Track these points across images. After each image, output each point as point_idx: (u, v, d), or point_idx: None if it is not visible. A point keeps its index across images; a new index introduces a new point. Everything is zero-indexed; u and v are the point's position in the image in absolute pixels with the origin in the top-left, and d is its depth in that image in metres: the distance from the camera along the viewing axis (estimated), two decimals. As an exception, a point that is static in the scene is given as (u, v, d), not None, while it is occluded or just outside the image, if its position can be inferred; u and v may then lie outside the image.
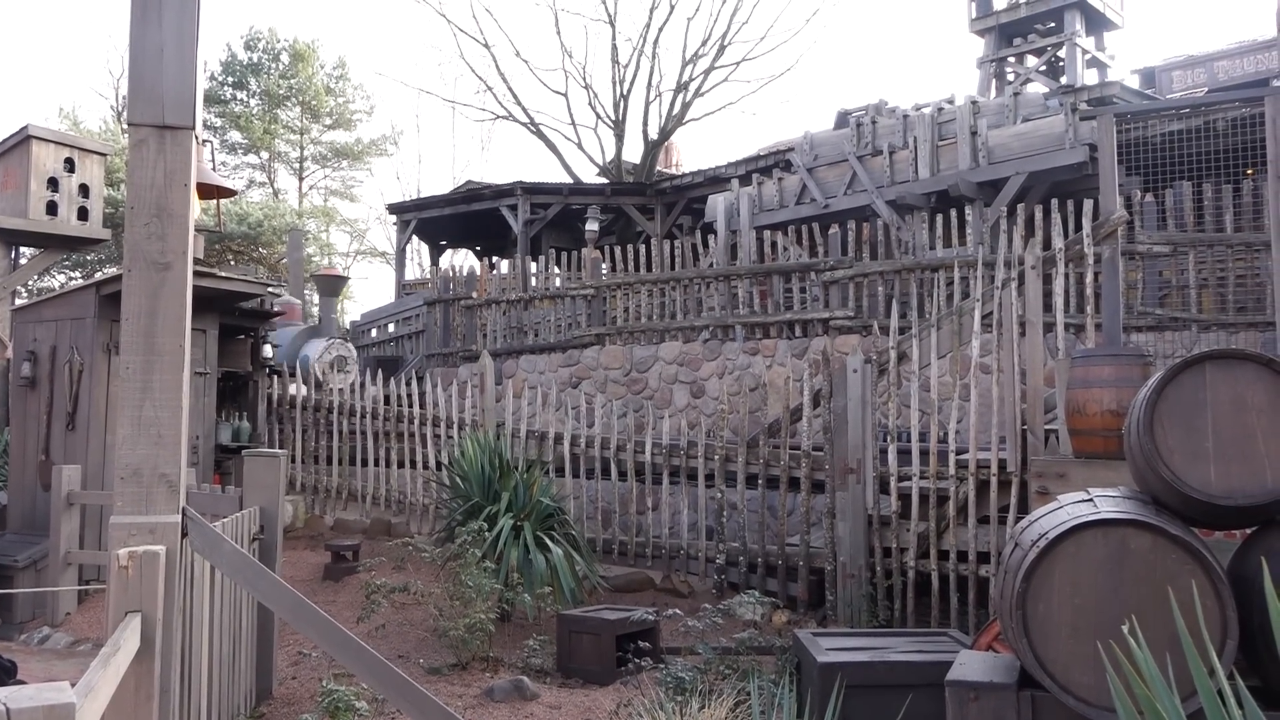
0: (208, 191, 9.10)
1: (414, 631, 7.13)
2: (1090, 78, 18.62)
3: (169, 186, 3.25)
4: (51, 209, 9.48)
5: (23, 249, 10.72)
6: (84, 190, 9.76)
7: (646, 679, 5.79)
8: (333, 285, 14.59)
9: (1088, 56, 19.11)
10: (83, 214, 9.74)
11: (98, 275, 18.59)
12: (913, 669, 4.69)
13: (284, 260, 24.34)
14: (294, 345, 12.62)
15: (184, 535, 3.29)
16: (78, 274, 25.99)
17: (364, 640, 3.90)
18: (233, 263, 25.39)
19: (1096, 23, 19.38)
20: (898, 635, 5.79)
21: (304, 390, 11.21)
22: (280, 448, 10.75)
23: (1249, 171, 10.33)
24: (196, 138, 3.37)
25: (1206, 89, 14.88)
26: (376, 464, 10.47)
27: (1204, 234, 10.44)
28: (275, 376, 11.38)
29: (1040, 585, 3.18)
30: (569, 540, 7.74)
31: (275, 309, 11.46)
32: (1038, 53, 19.55)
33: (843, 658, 4.82)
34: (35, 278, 14.94)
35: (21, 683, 5.25)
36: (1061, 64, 18.98)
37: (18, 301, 12.82)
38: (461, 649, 6.31)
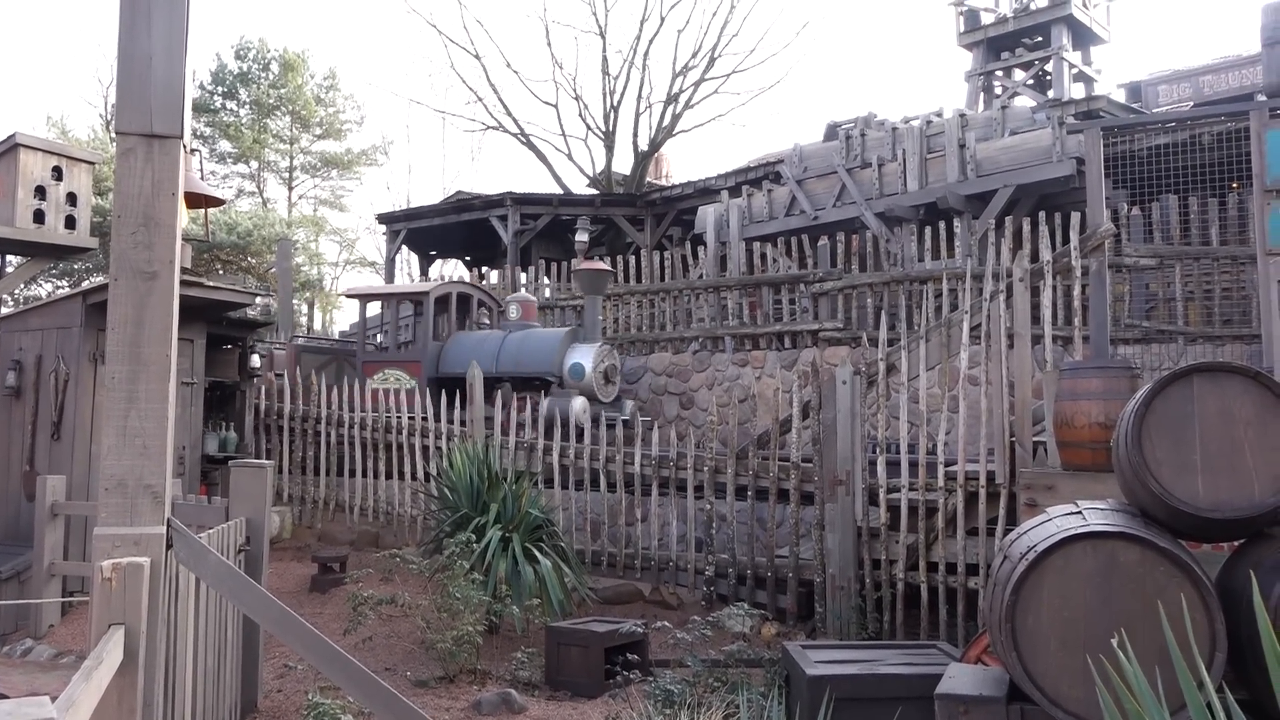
0: (196, 200, 9.06)
1: (401, 644, 7.08)
2: (1077, 91, 18.76)
3: (156, 195, 3.23)
4: (39, 217, 9.42)
5: (9, 257, 10.65)
6: (71, 199, 9.70)
7: (635, 692, 5.76)
8: (597, 280, 11.80)
9: (1075, 70, 19.26)
10: (70, 222, 9.68)
11: (84, 284, 18.51)
12: (902, 682, 4.68)
13: (272, 270, 24.27)
14: (553, 350, 11.16)
15: (169, 547, 3.26)
16: (64, 283, 25.86)
17: (350, 653, 3.87)
18: (221, 272, 25.31)
19: (1083, 37, 19.54)
20: (887, 648, 5.79)
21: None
22: (267, 458, 10.70)
23: (1234, 185, 10.41)
24: (185, 147, 3.35)
25: (1192, 103, 15.01)
26: (365, 475, 10.43)
27: (1190, 247, 10.51)
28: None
29: (1029, 598, 3.18)
30: (558, 552, 7.71)
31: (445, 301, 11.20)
32: (1025, 66, 19.70)
33: (832, 670, 4.81)
34: (22, 286, 14.87)
35: (3, 696, 5.19)
36: (1049, 78, 19.12)
37: (3, 310, 12.76)
38: (449, 661, 6.27)
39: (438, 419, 10.03)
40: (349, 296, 14.03)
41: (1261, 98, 12.10)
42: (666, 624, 6.72)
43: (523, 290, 15.24)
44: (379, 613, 6.71)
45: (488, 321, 13.25)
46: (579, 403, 10.40)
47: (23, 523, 8.61)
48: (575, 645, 6.32)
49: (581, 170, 22.49)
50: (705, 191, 16.90)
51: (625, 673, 5.93)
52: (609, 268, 12.50)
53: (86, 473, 8.50)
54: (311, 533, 10.36)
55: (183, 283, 3.55)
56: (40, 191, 9.45)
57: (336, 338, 16.72)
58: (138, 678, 2.94)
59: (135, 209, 3.21)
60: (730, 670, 5.83)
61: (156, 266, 3.21)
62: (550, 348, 11.10)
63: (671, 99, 21.76)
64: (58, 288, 25.54)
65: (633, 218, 18.17)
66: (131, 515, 3.14)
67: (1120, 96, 16.24)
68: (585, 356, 10.93)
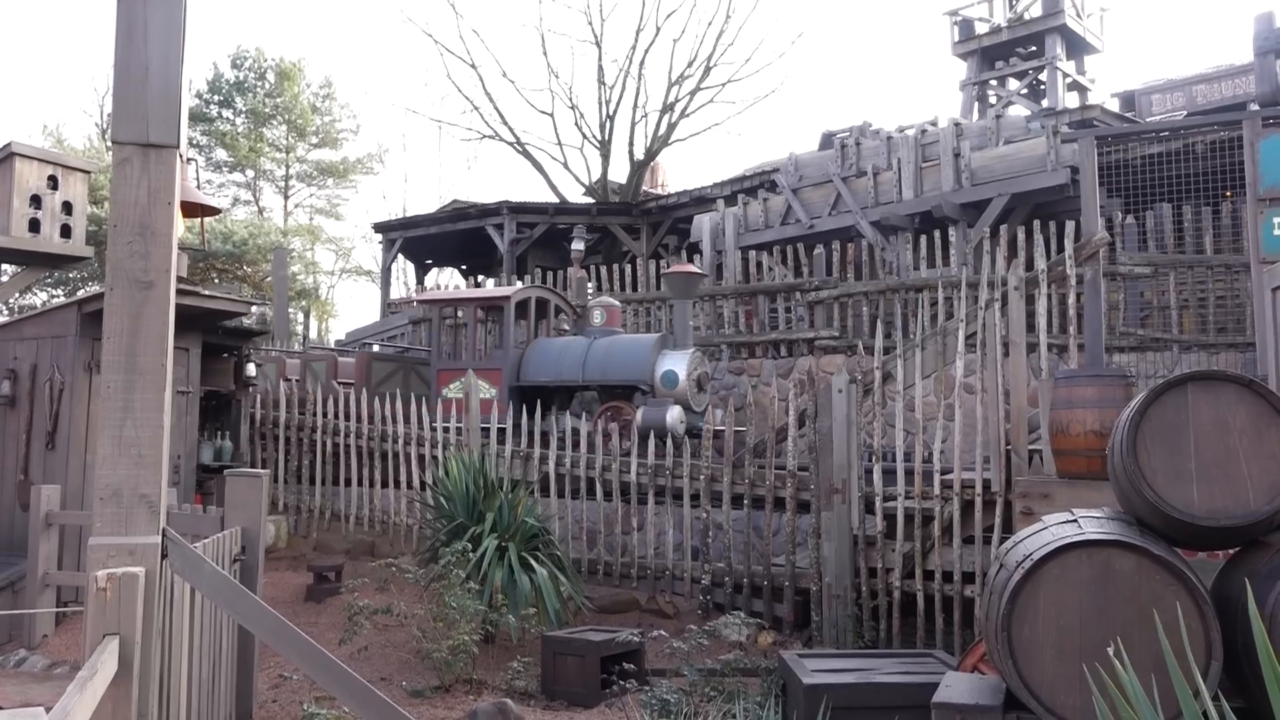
0: (192, 209, 9.06)
1: (397, 653, 7.06)
2: (1071, 101, 18.85)
3: (152, 205, 3.23)
4: (34, 226, 9.41)
5: (4, 266, 10.64)
6: (67, 208, 9.70)
7: (631, 701, 5.75)
8: (689, 283, 11.12)
9: (1068, 80, 19.35)
10: (65, 231, 9.67)
11: (80, 293, 18.48)
12: (898, 690, 4.68)
13: (268, 278, 24.26)
14: (644, 357, 10.55)
15: (164, 556, 3.25)
16: (60, 292, 25.83)
17: (346, 662, 3.86)
18: (217, 281, 25.30)
19: (1077, 47, 19.64)
20: (883, 656, 5.78)
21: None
22: (263, 467, 10.67)
23: (1228, 194, 10.46)
24: (181, 156, 3.35)
25: (1185, 112, 15.07)
26: (360, 484, 10.40)
27: (1184, 255, 10.55)
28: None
29: (1025, 606, 3.18)
30: (554, 561, 7.70)
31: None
32: (1019, 76, 19.78)
33: (828, 679, 4.80)
34: (17, 295, 14.84)
35: (-4, 707, 5.17)
36: (1043, 87, 19.21)
37: (-2, 319, 12.73)
38: (445, 671, 6.25)
39: (517, 430, 9.64)
40: (421, 302, 13.33)
41: (1254, 107, 12.16)
42: (663, 633, 6.71)
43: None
44: (375, 622, 6.70)
45: (567, 328, 12.84)
46: (675, 412, 9.80)
47: (17, 532, 8.58)
48: (571, 654, 6.31)
49: (577, 179, 22.54)
50: (701, 200, 16.94)
51: (621, 682, 5.92)
52: (701, 270, 11.80)
53: (81, 482, 8.47)
54: (307, 542, 10.33)
55: (178, 292, 3.55)
56: (36, 200, 9.44)
57: (402, 345, 16.01)
58: (132, 688, 2.93)
59: (131, 218, 3.21)
60: (727, 679, 5.82)
61: (152, 275, 3.21)
62: (641, 355, 10.51)
63: (667, 108, 21.82)
64: (53, 297, 25.51)
65: (629, 226, 18.21)
66: (126, 525, 3.13)
67: (1114, 106, 16.31)
68: (678, 364, 10.37)
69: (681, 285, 10.98)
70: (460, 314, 12.27)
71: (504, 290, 11.97)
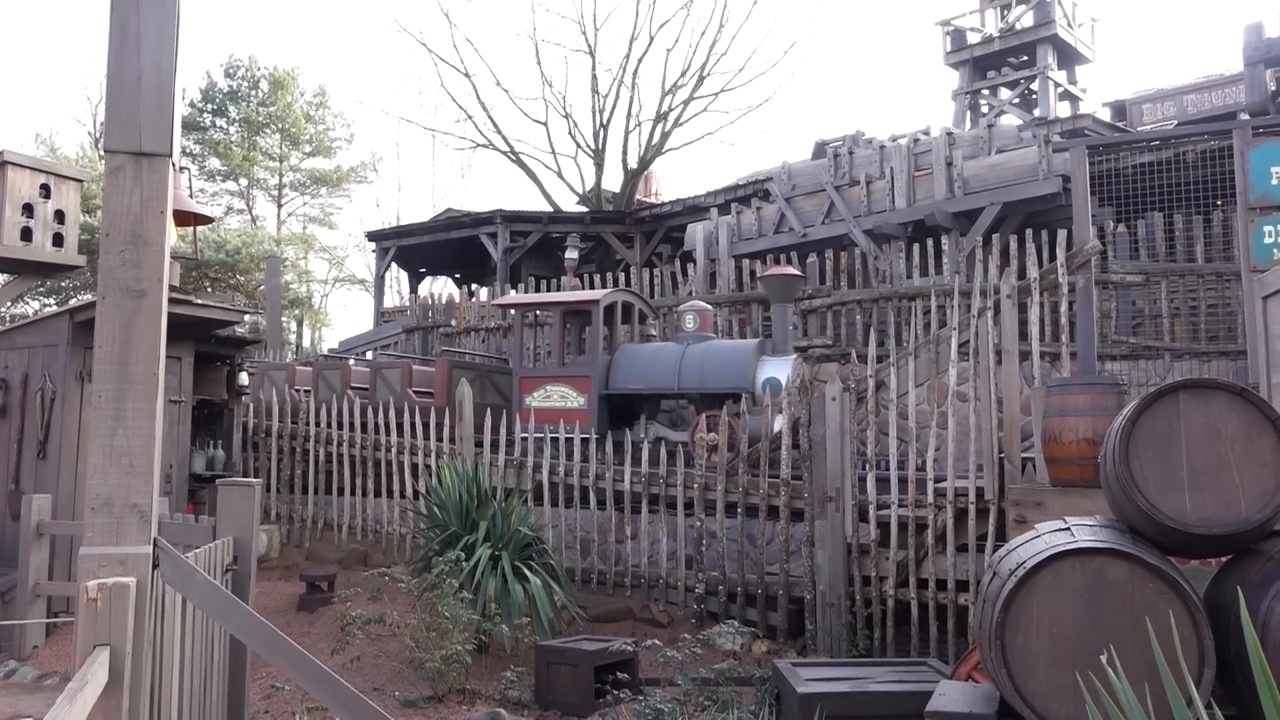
0: (184, 218, 9.04)
1: (389, 663, 7.03)
2: (1063, 110, 18.94)
3: (145, 213, 3.23)
4: (26, 235, 9.39)
5: (-4, 275, 10.61)
6: (59, 216, 9.68)
7: (625, 711, 5.73)
8: (788, 286, 10.49)
9: (1060, 89, 19.44)
10: (58, 240, 9.66)
11: (72, 302, 18.43)
12: (892, 699, 4.67)
13: (261, 287, 24.22)
14: (745, 364, 10.02)
15: (155, 566, 3.23)
16: (52, 301, 25.73)
17: (338, 673, 3.84)
18: (210, 290, 25.24)
19: (1068, 56, 19.74)
20: (878, 665, 5.77)
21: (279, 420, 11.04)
22: (255, 476, 10.63)
23: (1219, 203, 10.50)
24: (174, 164, 3.35)
25: (1176, 122, 15.15)
26: (353, 493, 10.38)
27: (1176, 264, 10.58)
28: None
29: (1018, 615, 3.18)
30: (547, 570, 7.68)
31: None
32: (1011, 85, 19.88)
33: (822, 688, 4.79)
34: (9, 304, 14.79)
35: (-14, 718, 5.14)
36: (1034, 96, 19.30)
37: (-11, 328, 12.67)
38: (438, 681, 6.23)
39: (600, 448, 9.49)
40: (501, 306, 12.52)
41: (1244, 116, 12.24)
42: (656, 642, 6.69)
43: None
44: (367, 632, 6.67)
45: (654, 333, 12.49)
46: (781, 419, 9.07)
47: (7, 542, 8.54)
48: (565, 664, 6.29)
49: (571, 188, 22.57)
50: (694, 209, 16.96)
51: (615, 691, 5.90)
52: (799, 272, 11.17)
53: (73, 492, 8.44)
54: (300, 551, 10.30)
55: (171, 300, 3.54)
56: (28, 209, 9.43)
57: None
58: (123, 699, 2.91)
59: (123, 227, 3.21)
60: (721, 688, 5.81)
61: (144, 284, 3.20)
62: (742, 361, 9.98)
63: (661, 117, 21.87)
64: (45, 305, 25.42)
65: (622, 235, 18.22)
66: (118, 535, 3.12)
67: (1105, 115, 16.40)
68: (780, 370, 9.82)
69: (780, 288, 10.46)
70: (544, 318, 11.60)
71: (593, 293, 11.41)
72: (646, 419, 10.58)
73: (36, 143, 31.78)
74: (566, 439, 9.57)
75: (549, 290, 15.45)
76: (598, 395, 10.42)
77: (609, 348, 10.93)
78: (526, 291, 15.88)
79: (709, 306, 11.29)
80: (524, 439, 9.61)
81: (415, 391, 11.16)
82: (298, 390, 11.61)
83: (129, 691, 2.95)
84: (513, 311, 12.27)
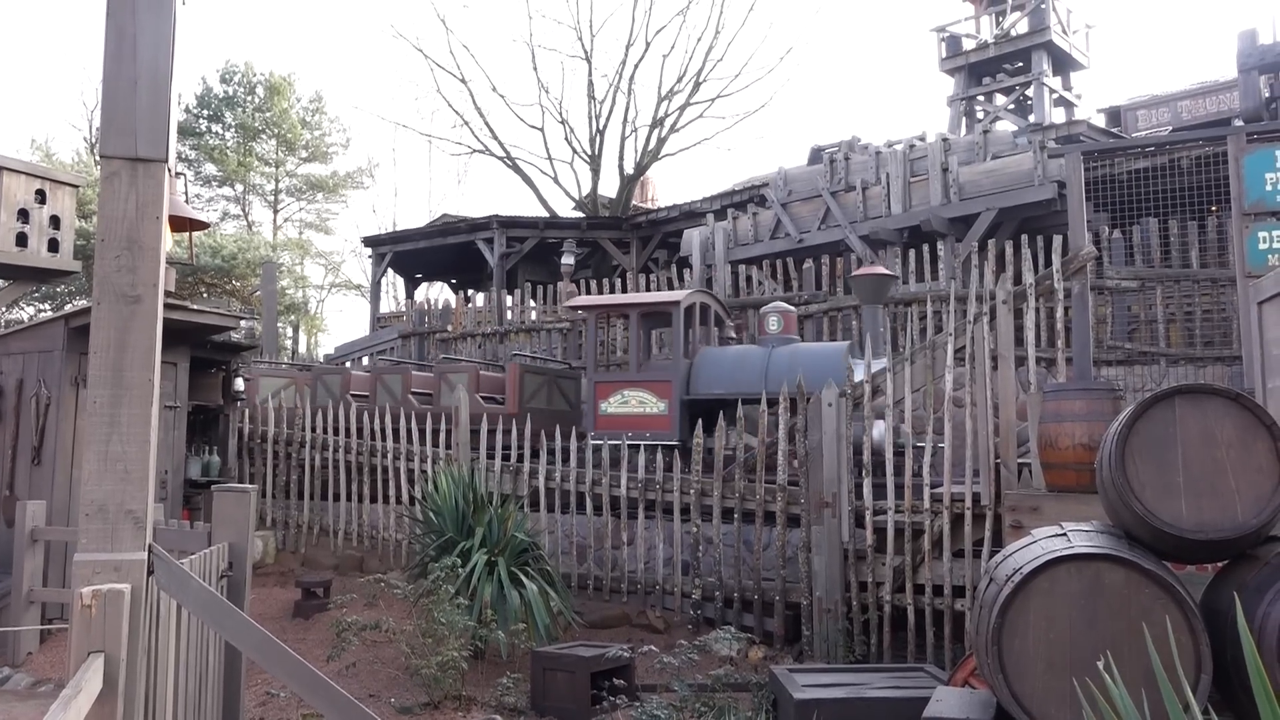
0: (180, 224, 9.02)
1: (385, 670, 7.01)
2: (1058, 116, 19.00)
3: (140, 219, 3.22)
4: (21, 240, 9.38)
5: (-9, 280, 10.59)
6: (55, 222, 9.67)
7: (621, 717, 5.72)
8: (879, 287, 10.03)
9: (1055, 96, 19.51)
10: (53, 246, 9.65)
11: (67, 308, 18.38)
12: (889, 706, 4.67)
13: (257, 293, 24.20)
14: (837, 367, 9.26)
15: (150, 573, 3.22)
16: (47, 306, 25.69)
17: (334, 679, 3.83)
18: (206, 295, 25.20)
19: (1063, 63, 19.81)
20: (874, 671, 5.76)
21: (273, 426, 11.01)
22: (251, 482, 10.61)
23: (1213, 209, 10.53)
24: (169, 170, 3.35)
25: (1170, 128, 15.21)
26: (349, 499, 10.35)
27: (1171, 269, 10.61)
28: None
29: (1015, 620, 3.18)
30: (544, 576, 7.67)
31: (674, 311, 9.46)
32: (1006, 91, 19.94)
33: (819, 694, 4.79)
34: (3, 310, 14.76)
35: (-21, 726, 5.11)
36: (1030, 103, 19.36)
37: (-16, 334, 12.64)
38: (434, 687, 6.21)
39: (686, 461, 8.88)
40: (574, 307, 12.17)
41: (1238, 122, 12.27)
42: (653, 648, 6.68)
43: (509, 312, 14.91)
44: (363, 638, 6.65)
45: (734, 335, 12.20)
46: (881, 426, 8.50)
47: (2, 549, 8.50)
48: (561, 670, 6.28)
49: (567, 193, 22.58)
50: (691, 214, 16.98)
51: (611, 698, 5.89)
52: (891, 272, 10.68)
53: (67, 498, 8.42)
54: (295, 558, 10.27)
55: (166, 306, 3.53)
56: (23, 214, 9.42)
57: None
58: (117, 706, 2.89)
59: (119, 232, 3.20)
60: (717, 694, 5.80)
61: (140, 290, 3.20)
62: (833, 364, 9.37)
63: (657, 123, 21.89)
64: (40, 311, 25.37)
65: (618, 240, 18.24)
66: (112, 541, 3.11)
67: (1100, 121, 16.44)
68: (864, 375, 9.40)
69: (871, 288, 9.99)
70: (621, 320, 11.18)
71: (672, 295, 11.02)
72: (726, 424, 10.08)
73: (32, 148, 31.74)
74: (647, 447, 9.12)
75: (545, 296, 15.44)
76: (679, 400, 10.14)
77: (688, 350, 10.60)
78: (523, 298, 15.87)
79: (792, 309, 10.89)
80: (596, 446, 9.27)
81: (483, 397, 10.87)
82: (352, 395, 11.29)
83: (123, 699, 2.94)
84: (581, 313, 11.85)
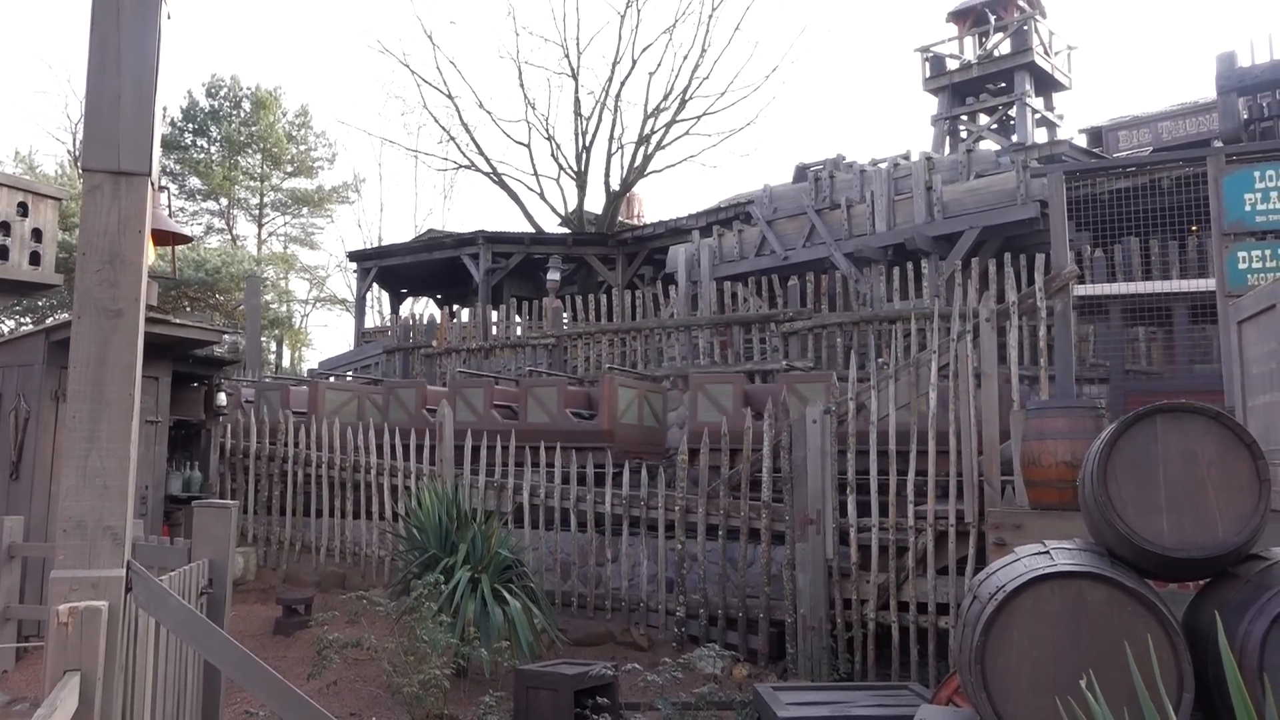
0: (163, 238, 8.98)
1: (367, 688, 6.95)
2: (1040, 136, 19.19)
3: (123, 233, 3.20)
4: (2, 253, 9.31)
5: (-29, 294, 10.49)
6: (37, 235, 9.60)
7: (605, 735, 5.68)
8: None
9: (1037, 116, 19.70)
10: (35, 259, 9.57)
11: (48, 321, 18.25)
12: (873, 723, 4.66)
13: (241, 307, 24.08)
14: None
15: (128, 590, 3.18)
16: (27, 320, 25.48)
17: (314, 698, 3.79)
18: (189, 309, 25.08)
19: (1046, 84, 20.02)
20: (859, 689, 5.75)
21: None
22: (232, 498, 10.52)
23: (1193, 228, 10.63)
24: (153, 184, 3.33)
25: (1151, 148, 15.38)
26: (331, 515, 10.28)
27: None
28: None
29: (998, 639, 3.18)
30: (527, 593, 7.62)
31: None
32: (989, 111, 20.14)
33: (803, 713, 4.77)
34: (-17, 323, 14.62)
35: (-48, 745, 5.03)
36: (1012, 122, 19.55)
37: (-37, 347, 12.50)
38: (415, 706, 6.15)
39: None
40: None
41: (1218, 144, 12.41)
42: (637, 666, 6.65)
43: (494, 328, 14.80)
44: (344, 656, 6.59)
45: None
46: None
47: (-22, 565, 8.38)
48: (544, 688, 6.23)
49: (554, 209, 22.61)
50: (676, 231, 17.03)
51: (595, 716, 5.85)
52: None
53: (46, 513, 8.32)
54: (276, 574, 10.18)
55: (148, 320, 3.51)
56: (5, 227, 9.35)
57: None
58: (93, 726, 2.85)
59: (101, 246, 3.18)
60: (701, 713, 5.77)
61: (121, 304, 3.17)
62: None
63: (643, 140, 21.98)
64: (20, 324, 25.16)
65: (604, 257, 18.26)
66: (90, 557, 3.07)
67: (1082, 141, 16.62)
68: None
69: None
70: None
71: None
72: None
73: (15, 160, 31.56)
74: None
75: (530, 312, 15.42)
76: None
77: None
78: (509, 314, 15.84)
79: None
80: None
81: (572, 413, 10.73)
82: (426, 410, 11.07)
83: (99, 717, 2.90)
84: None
